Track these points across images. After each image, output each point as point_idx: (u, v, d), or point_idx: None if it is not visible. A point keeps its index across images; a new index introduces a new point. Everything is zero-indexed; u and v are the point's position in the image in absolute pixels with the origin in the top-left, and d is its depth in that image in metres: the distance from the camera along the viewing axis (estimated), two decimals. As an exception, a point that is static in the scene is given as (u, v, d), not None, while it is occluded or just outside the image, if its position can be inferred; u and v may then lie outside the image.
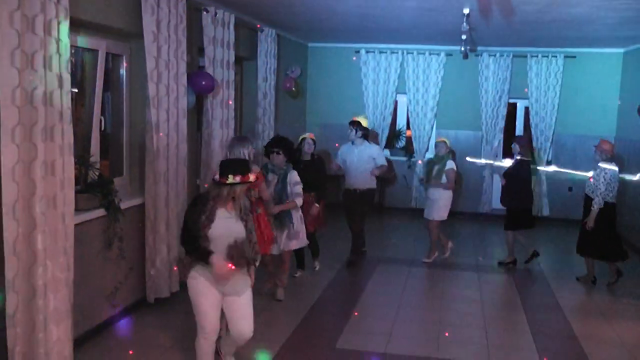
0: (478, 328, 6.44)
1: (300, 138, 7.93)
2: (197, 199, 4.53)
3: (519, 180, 8.52)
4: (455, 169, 8.66)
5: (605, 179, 7.49)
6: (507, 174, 8.68)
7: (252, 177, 4.40)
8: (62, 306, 4.78)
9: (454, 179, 8.64)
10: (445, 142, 8.73)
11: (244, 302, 4.57)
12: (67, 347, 4.88)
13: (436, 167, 8.59)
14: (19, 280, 4.38)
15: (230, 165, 4.41)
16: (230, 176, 4.30)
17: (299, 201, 6.82)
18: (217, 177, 4.38)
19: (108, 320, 5.96)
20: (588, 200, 7.73)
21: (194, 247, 4.38)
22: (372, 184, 8.49)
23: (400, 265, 8.63)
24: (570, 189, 11.57)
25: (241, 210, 4.49)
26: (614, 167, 7.59)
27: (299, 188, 6.80)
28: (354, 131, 8.32)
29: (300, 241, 7.09)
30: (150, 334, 5.94)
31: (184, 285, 6.80)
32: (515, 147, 8.60)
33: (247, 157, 5.88)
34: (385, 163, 8.55)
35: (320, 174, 7.83)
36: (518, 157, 8.54)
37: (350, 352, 5.70)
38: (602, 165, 7.59)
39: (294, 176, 6.81)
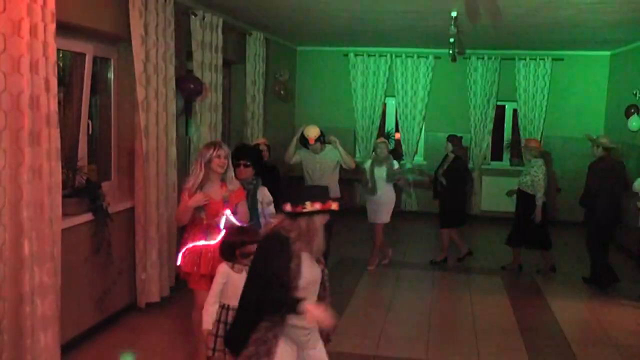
0: (467, 329, 6.45)
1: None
2: (278, 241, 3.48)
3: (453, 179, 8.68)
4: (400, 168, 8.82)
5: (543, 174, 8.14)
6: (446, 172, 8.75)
7: (334, 205, 3.51)
8: (50, 312, 4.74)
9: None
10: (386, 142, 8.67)
11: (322, 355, 3.90)
12: (55, 353, 4.84)
13: (383, 169, 8.42)
14: (6, 286, 4.33)
15: (308, 191, 3.75)
16: (308, 203, 3.43)
17: None
18: (288, 207, 3.47)
19: (97, 325, 5.91)
20: (522, 194, 8.33)
21: (283, 302, 3.42)
22: (337, 192, 7.59)
23: (389, 268, 8.62)
24: (558, 190, 11.60)
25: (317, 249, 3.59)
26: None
27: (273, 208, 5.62)
28: (322, 144, 7.60)
29: None
30: (141, 338, 5.90)
31: (174, 290, 6.83)
32: (449, 145, 8.83)
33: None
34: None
35: (278, 186, 6.38)
36: (453, 156, 8.77)
37: (341, 355, 5.68)
38: (535, 161, 8.30)
39: (266, 193, 5.67)
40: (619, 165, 8.19)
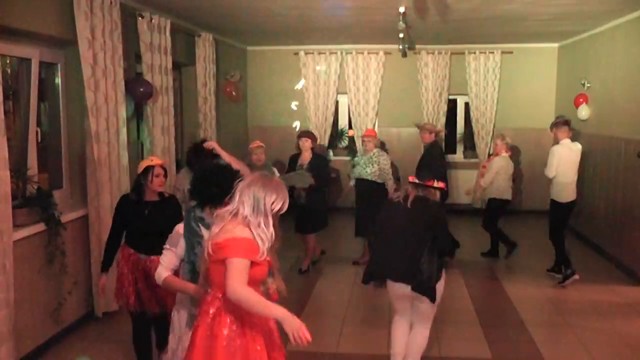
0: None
1: (144, 167, 4.82)
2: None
3: (316, 177, 7.92)
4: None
5: (389, 163, 8.35)
6: (309, 170, 8.02)
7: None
8: (3, 327, 4.62)
9: None
10: (262, 147, 7.66)
11: None
12: (11, 368, 4.72)
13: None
14: (-43, 302, 4.21)
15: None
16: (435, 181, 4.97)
17: None
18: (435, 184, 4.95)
19: (53, 338, 5.77)
20: (363, 184, 8.29)
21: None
22: None
23: (348, 265, 8.60)
24: (514, 180, 11.73)
25: None
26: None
27: None
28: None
29: None
30: (99, 348, 5.77)
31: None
32: (308, 142, 8.18)
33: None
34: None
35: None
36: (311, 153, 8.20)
37: (302, 354, 5.63)
38: (379, 151, 8.39)
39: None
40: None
